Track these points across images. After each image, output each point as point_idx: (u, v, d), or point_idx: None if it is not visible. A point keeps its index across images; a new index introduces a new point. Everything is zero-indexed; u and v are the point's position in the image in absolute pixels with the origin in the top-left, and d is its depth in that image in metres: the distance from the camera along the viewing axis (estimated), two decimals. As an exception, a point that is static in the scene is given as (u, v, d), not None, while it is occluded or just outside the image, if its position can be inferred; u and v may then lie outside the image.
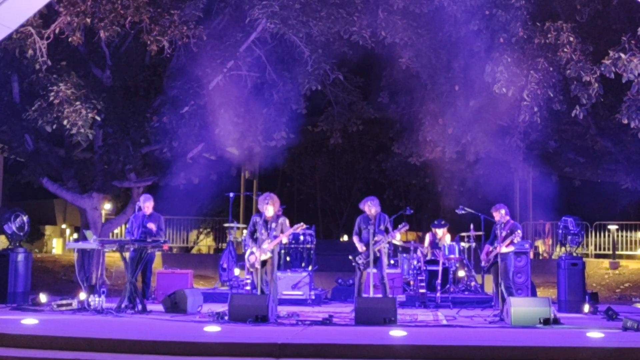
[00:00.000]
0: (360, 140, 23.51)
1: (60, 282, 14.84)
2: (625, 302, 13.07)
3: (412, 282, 12.39)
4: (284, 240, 10.22)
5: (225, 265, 13.28)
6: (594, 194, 21.99)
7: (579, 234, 11.37)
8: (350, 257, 10.52)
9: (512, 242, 9.90)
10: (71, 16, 11.71)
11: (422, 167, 16.94)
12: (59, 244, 28.68)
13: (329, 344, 7.18)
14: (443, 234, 12.94)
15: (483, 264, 10.37)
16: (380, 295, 10.14)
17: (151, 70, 14.51)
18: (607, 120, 13.83)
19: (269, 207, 9.96)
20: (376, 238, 10.10)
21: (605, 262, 16.97)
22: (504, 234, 9.92)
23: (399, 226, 10.29)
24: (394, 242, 10.58)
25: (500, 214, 10.08)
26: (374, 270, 10.15)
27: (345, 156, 26.24)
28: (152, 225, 10.81)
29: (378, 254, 10.19)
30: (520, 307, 8.87)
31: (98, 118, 12.57)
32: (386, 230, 10.33)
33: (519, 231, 9.90)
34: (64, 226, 31.28)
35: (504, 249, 9.90)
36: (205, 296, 11.03)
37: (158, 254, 13.74)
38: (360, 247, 10.30)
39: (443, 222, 13.10)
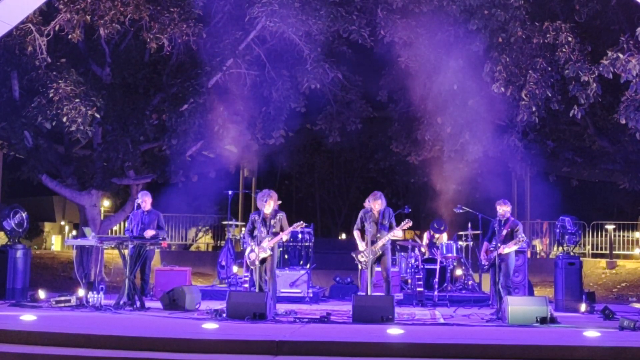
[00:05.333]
0: (358, 139, 23.48)
1: (59, 279, 14.87)
2: (622, 301, 13.10)
3: (409, 281, 12.43)
4: (284, 238, 10.24)
5: (223, 263, 13.33)
6: (592, 194, 22.08)
7: (577, 233, 11.40)
8: (352, 255, 10.34)
9: (515, 244, 9.86)
10: (71, 13, 11.73)
11: (420, 166, 16.94)
12: (57, 241, 28.69)
13: (327, 342, 7.21)
14: (439, 237, 12.98)
15: (483, 262, 10.21)
16: (380, 294, 10.05)
17: (151, 68, 14.51)
18: (605, 120, 13.86)
19: (269, 203, 9.99)
20: (378, 235, 9.96)
21: (603, 262, 17.01)
22: (504, 232, 9.90)
23: (402, 223, 10.03)
24: (395, 237, 10.32)
25: (504, 210, 9.99)
26: (378, 269, 10.10)
27: (343, 155, 26.24)
28: (150, 233, 10.72)
29: (380, 252, 9.97)
30: (518, 306, 8.88)
31: (97, 115, 12.56)
32: (390, 226, 10.08)
33: (523, 236, 9.86)
34: (62, 223, 31.32)
35: (506, 250, 9.87)
36: (203, 293, 11.06)
37: (157, 251, 13.76)
38: (361, 244, 10.05)
39: (442, 228, 13.08)
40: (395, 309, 8.99)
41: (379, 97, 16.13)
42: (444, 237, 12.97)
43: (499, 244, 9.86)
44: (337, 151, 24.87)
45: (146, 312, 9.65)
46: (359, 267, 10.20)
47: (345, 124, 15.88)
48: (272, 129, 14.64)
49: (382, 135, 17.97)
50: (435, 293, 11.68)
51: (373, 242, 9.92)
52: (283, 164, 23.06)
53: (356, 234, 10.22)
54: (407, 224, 10.07)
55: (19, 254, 11.12)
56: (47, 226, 30.49)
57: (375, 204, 10.07)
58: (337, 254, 17.14)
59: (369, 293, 9.85)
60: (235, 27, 13.83)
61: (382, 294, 9.96)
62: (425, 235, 13.15)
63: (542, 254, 18.92)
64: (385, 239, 9.98)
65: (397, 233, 10.10)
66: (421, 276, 11.84)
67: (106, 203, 21.73)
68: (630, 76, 11.04)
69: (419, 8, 13.17)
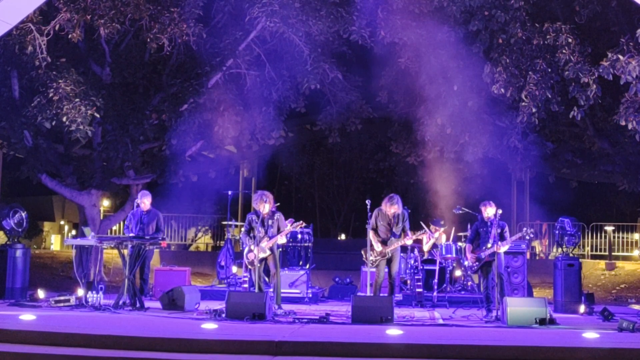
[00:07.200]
0: (358, 140, 23.51)
1: (58, 279, 14.86)
2: (621, 303, 13.09)
3: (409, 281, 12.42)
4: (282, 241, 10.25)
5: (223, 263, 13.34)
6: (591, 195, 22.09)
7: (576, 234, 11.40)
8: (362, 252, 10.26)
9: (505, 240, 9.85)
10: (71, 13, 11.75)
11: (420, 167, 16.95)
12: (57, 240, 28.73)
13: (326, 342, 7.21)
14: (440, 234, 12.94)
15: (471, 263, 10.10)
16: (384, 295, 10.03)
17: (150, 68, 14.51)
18: (605, 121, 13.86)
19: (266, 204, 10.04)
20: (392, 238, 9.95)
21: (602, 263, 17.02)
22: (493, 232, 9.79)
23: (418, 232, 10.05)
24: (406, 242, 10.23)
25: (496, 212, 9.88)
26: (386, 270, 10.07)
27: (343, 155, 26.24)
28: None
29: (390, 254, 9.99)
30: (517, 307, 8.88)
31: (97, 115, 12.57)
32: (403, 230, 10.03)
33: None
34: (62, 222, 31.36)
35: (505, 247, 9.84)
36: (202, 293, 11.07)
37: (156, 251, 13.75)
38: (377, 245, 9.97)
39: (442, 222, 13.08)
40: (394, 310, 8.99)
41: (379, 98, 16.11)
42: (442, 238, 12.95)
43: (490, 243, 9.76)
44: (337, 152, 24.86)
45: (145, 312, 9.64)
46: (368, 265, 10.18)
47: (345, 125, 15.89)
48: (271, 129, 14.63)
49: (382, 135, 17.97)
50: (435, 294, 11.68)
51: (384, 244, 9.97)
52: (283, 165, 23.08)
53: (371, 234, 10.08)
54: (422, 234, 10.09)
55: (19, 253, 11.11)
56: (47, 226, 30.52)
57: (391, 208, 10.02)
58: (337, 255, 17.18)
59: (376, 293, 9.88)
60: (235, 27, 13.84)
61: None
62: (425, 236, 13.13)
63: (542, 255, 18.93)
64: (396, 245, 10.00)
65: (407, 242, 10.13)
66: (420, 277, 11.84)
67: (106, 203, 21.73)
68: (630, 78, 11.05)
69: (419, 9, 13.19)
